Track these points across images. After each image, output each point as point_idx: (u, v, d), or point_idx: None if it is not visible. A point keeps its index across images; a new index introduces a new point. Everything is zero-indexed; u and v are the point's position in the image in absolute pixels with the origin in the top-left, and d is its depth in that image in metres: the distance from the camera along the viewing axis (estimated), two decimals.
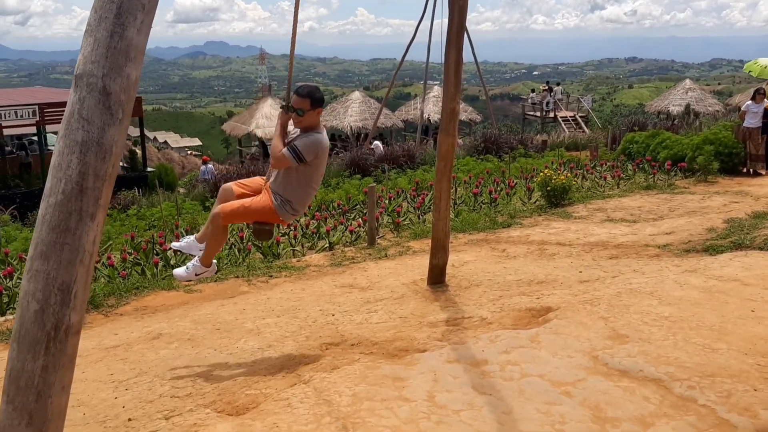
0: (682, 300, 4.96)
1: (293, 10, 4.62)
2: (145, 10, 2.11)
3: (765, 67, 14.55)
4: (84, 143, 2.10)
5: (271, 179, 4.48)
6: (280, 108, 4.54)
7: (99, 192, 2.11)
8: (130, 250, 8.44)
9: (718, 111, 30.08)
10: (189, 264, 4.61)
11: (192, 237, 4.80)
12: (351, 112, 31.89)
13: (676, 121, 25.61)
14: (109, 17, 2.11)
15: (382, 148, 22.41)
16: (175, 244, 4.88)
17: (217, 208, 4.35)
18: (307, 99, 4.32)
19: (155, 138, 52.49)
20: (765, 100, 12.63)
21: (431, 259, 6.13)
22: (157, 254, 8.04)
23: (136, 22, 2.10)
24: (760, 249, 6.38)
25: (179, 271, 4.66)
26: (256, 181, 4.63)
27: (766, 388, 3.57)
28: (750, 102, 12.59)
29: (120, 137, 2.11)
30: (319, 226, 9.37)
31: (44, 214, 2.11)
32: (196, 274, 4.58)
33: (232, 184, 4.56)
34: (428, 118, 29.16)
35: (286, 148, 4.30)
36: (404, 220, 9.60)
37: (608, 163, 13.77)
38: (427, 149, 20.76)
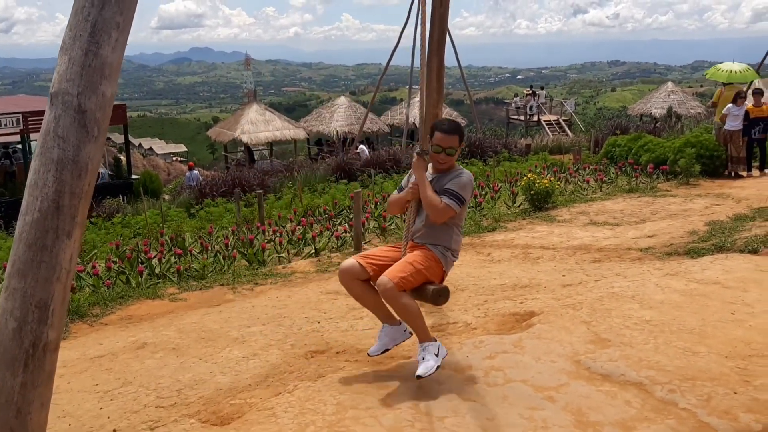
0: (664, 303, 5.02)
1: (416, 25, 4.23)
2: (120, 29, 2.11)
3: (718, 70, 14.73)
4: (60, 161, 2.10)
5: (416, 235, 3.96)
6: (416, 155, 3.95)
7: (75, 210, 2.11)
8: (114, 259, 8.38)
9: (700, 113, 30.33)
10: (420, 356, 3.83)
11: (384, 328, 4.11)
12: (337, 116, 31.90)
13: (658, 124, 25.83)
14: (83, 36, 2.11)
15: (367, 152, 22.44)
16: (374, 350, 4.09)
17: (382, 280, 3.65)
18: (456, 136, 3.90)
19: (140, 145, 52.21)
20: (745, 102, 12.78)
21: None
22: (142, 263, 8.00)
23: (110, 41, 2.10)
24: (741, 252, 6.45)
25: (425, 369, 3.76)
26: (384, 250, 4.08)
27: (745, 391, 3.62)
28: (731, 105, 12.73)
29: (96, 155, 2.12)
30: (305, 232, 9.37)
31: (21, 232, 2.11)
32: (436, 355, 3.82)
33: (359, 262, 3.89)
34: (414, 122, 29.16)
35: (444, 196, 3.80)
36: (390, 224, 9.62)
37: (591, 167, 13.86)
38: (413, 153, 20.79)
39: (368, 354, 4.08)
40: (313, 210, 12.46)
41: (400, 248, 4.01)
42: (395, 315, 3.97)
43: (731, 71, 14.34)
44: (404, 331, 4.05)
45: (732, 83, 13.98)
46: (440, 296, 3.82)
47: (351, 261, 3.93)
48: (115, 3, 2.11)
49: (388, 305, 3.80)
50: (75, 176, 2.11)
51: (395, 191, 4.23)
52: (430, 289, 3.79)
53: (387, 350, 4.09)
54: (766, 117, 12.91)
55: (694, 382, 3.73)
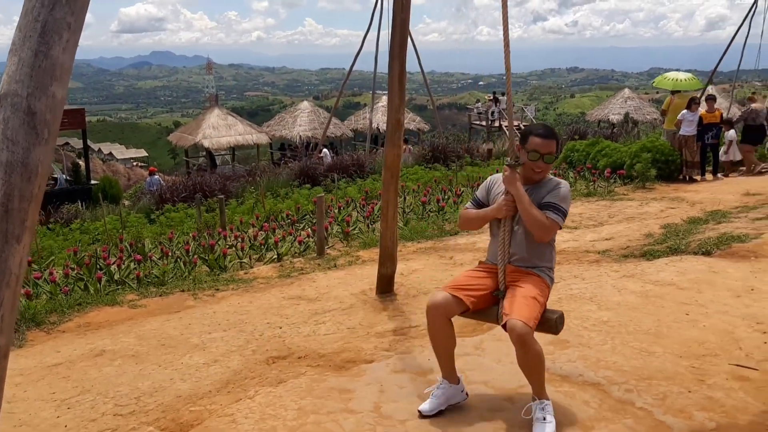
0: (620, 305, 5.11)
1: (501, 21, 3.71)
2: (71, 29, 2.08)
3: (665, 78, 15.18)
4: (9, 164, 2.06)
5: (515, 258, 3.52)
6: (507, 167, 3.47)
7: (25, 213, 2.06)
8: (72, 265, 8.23)
9: (656, 119, 31.01)
10: (540, 415, 3.32)
11: (443, 385, 3.61)
12: (300, 121, 31.83)
13: (615, 129, 26.33)
14: (33, 36, 2.07)
15: (329, 156, 22.42)
16: (427, 409, 3.55)
17: (516, 324, 3.17)
18: (554, 140, 3.47)
19: (100, 150, 51.41)
20: (699, 108, 13.12)
21: (379, 268, 6.16)
22: (101, 269, 7.87)
23: (61, 41, 2.06)
24: (695, 254, 6.61)
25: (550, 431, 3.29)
26: (475, 277, 3.59)
27: (699, 389, 3.71)
28: (686, 111, 13.05)
29: (46, 157, 2.07)
30: (267, 237, 9.31)
31: None
32: (552, 416, 3.35)
33: (453, 294, 3.41)
34: (377, 127, 29.31)
35: (548, 211, 3.40)
36: (354, 229, 9.61)
37: (550, 171, 14.04)
38: (377, 158, 20.84)
39: (419, 411, 3.56)
40: (275, 215, 12.39)
41: (489, 273, 3.59)
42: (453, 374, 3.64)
43: (676, 79, 14.78)
44: (462, 391, 3.66)
45: (680, 91, 14.36)
46: (561, 324, 3.49)
47: (443, 294, 3.41)
48: (66, 3, 2.08)
49: (518, 351, 3.28)
50: (24, 179, 2.06)
51: (468, 203, 3.81)
52: (553, 318, 3.44)
53: (441, 411, 3.57)
54: (719, 123, 13.28)
55: (650, 382, 3.81)
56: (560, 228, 3.46)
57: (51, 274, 7.47)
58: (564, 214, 3.43)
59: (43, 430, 3.79)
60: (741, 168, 14.13)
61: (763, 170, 13.66)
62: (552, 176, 3.59)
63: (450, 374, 3.61)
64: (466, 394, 3.68)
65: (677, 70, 15.80)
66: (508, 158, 3.50)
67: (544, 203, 3.43)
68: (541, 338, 4.48)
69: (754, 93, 15.66)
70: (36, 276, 7.53)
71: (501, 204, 3.49)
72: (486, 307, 3.50)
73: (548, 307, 3.50)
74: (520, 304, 3.27)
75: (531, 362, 3.29)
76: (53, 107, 2.08)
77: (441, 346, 3.55)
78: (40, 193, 2.11)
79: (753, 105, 13.75)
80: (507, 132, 3.92)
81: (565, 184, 3.52)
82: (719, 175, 13.46)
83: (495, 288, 3.51)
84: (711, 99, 13.82)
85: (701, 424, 3.37)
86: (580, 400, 3.64)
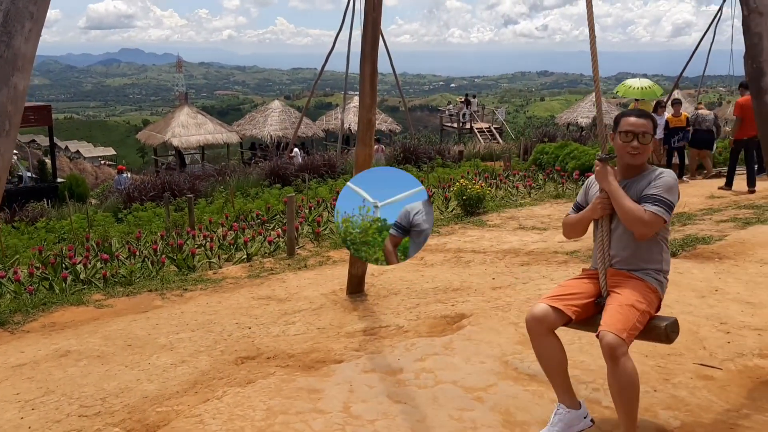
0: None
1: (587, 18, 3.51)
2: (34, 19, 2.03)
3: (629, 87, 15.45)
4: None
5: (617, 260, 3.19)
6: (598, 162, 3.19)
7: None
8: (37, 265, 8.08)
9: None
10: None
11: (560, 410, 3.16)
12: (271, 120, 31.66)
13: (584, 133, 26.66)
14: None
15: (300, 156, 22.33)
16: None
17: (608, 337, 2.84)
18: (649, 120, 3.15)
19: (67, 148, 50.63)
20: (665, 113, 13.35)
21: (350, 268, 6.15)
22: (66, 268, 7.74)
23: (23, 31, 2.01)
24: None
25: None
26: (576, 285, 3.26)
27: (665, 388, 3.76)
28: (653, 114, 13.26)
29: (7, 150, 2.02)
30: (237, 237, 9.24)
31: None
32: None
33: (553, 306, 3.08)
34: (349, 127, 29.26)
35: (647, 204, 3.03)
36: (324, 229, 9.59)
37: (520, 173, 14.19)
38: (348, 159, 20.81)
39: None
40: (245, 215, 12.30)
41: (591, 279, 3.29)
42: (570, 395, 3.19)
43: (643, 87, 15.04)
44: (584, 417, 3.19)
45: (644, 99, 14.63)
46: (674, 332, 3.13)
47: (543, 307, 3.09)
48: None
49: (609, 370, 2.91)
50: None
51: (570, 211, 3.50)
52: (662, 326, 3.08)
53: None
54: (685, 126, 13.53)
55: None
56: (665, 222, 3.06)
57: (15, 273, 7.33)
58: (667, 205, 3.03)
59: (6, 431, 3.71)
60: (704, 171, 14.40)
61: (723, 173, 13.94)
62: (655, 167, 3.22)
63: (567, 397, 3.17)
64: (591, 420, 3.22)
65: (644, 75, 16.13)
66: (599, 152, 3.23)
67: (644, 196, 3.08)
68: (511, 337, 4.54)
69: (699, 104, 16.13)
70: (0, 275, 7.37)
71: (595, 203, 3.22)
72: (590, 317, 3.18)
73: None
74: (613, 313, 2.97)
75: (620, 382, 2.89)
76: (15, 99, 2.03)
77: (550, 363, 3.16)
78: (0, 186, 2.05)
79: (699, 111, 14.04)
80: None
81: (669, 173, 3.13)
82: (684, 178, 13.69)
83: (598, 295, 3.21)
84: (677, 103, 14.06)
85: (666, 422, 3.41)
86: (547, 399, 3.67)
